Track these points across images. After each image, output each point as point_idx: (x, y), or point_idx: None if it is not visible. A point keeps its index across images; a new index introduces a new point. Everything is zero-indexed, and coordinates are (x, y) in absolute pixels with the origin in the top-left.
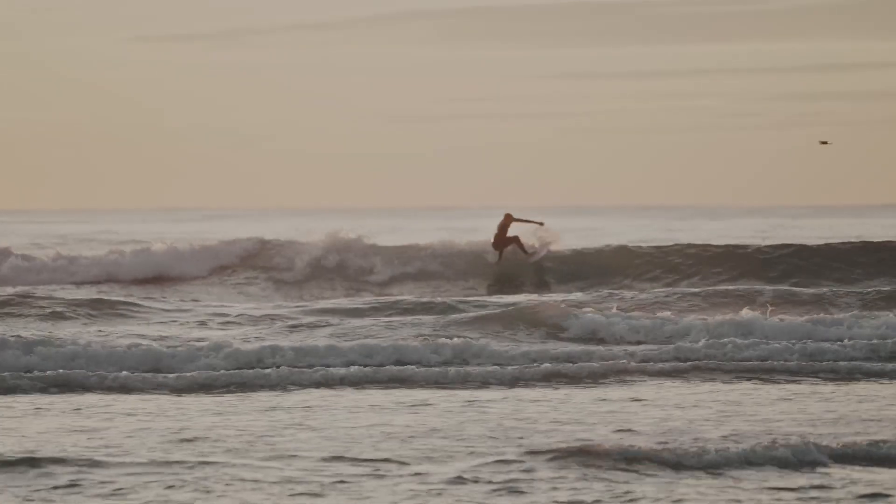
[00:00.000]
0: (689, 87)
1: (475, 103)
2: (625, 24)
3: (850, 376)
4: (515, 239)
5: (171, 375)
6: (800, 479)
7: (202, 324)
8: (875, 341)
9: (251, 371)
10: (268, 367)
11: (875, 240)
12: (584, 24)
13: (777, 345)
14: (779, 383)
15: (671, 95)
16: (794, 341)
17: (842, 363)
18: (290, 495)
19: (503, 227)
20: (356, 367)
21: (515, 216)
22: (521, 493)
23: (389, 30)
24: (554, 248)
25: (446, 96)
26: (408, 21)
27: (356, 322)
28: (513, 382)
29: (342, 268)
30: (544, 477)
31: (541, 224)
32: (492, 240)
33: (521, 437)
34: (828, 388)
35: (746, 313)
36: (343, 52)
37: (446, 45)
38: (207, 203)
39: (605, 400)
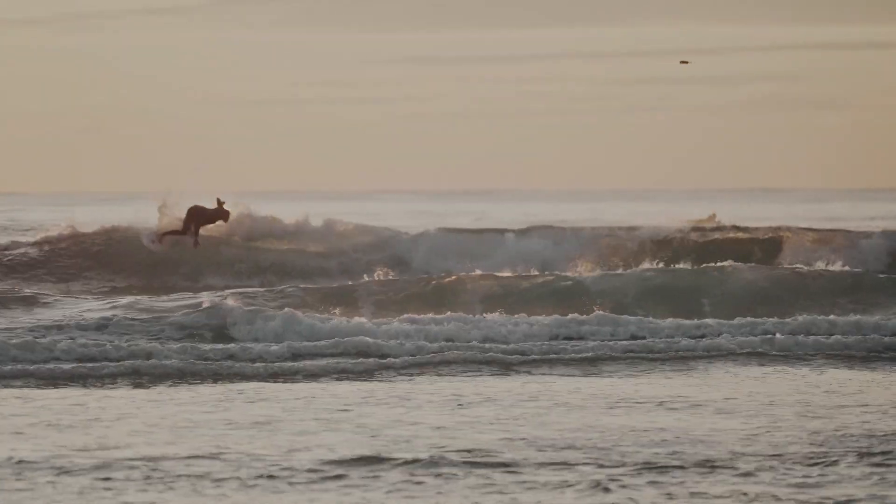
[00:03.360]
0: (540, 71)
1: (320, 87)
2: (474, 8)
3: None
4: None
5: None
6: None
7: None
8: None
9: None
10: None
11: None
12: (433, 7)
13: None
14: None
15: (518, 80)
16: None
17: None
18: None
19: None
20: None
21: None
22: None
23: (233, 14)
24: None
25: (289, 80)
26: (251, 5)
27: None
28: None
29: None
30: None
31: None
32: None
33: None
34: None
35: None
36: (185, 37)
37: (289, 29)
38: (52, 188)
39: None
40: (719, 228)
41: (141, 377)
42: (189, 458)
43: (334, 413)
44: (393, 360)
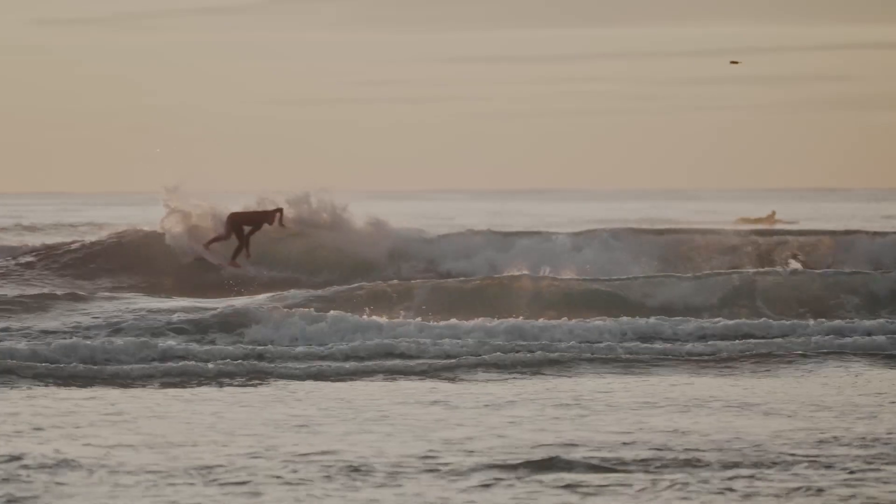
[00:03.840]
0: (586, 70)
1: (375, 87)
2: (527, 8)
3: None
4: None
5: None
6: None
7: None
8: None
9: None
10: None
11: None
12: (487, 7)
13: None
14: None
15: (568, 79)
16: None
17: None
18: None
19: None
20: None
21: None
22: None
23: (289, 13)
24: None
25: (347, 80)
26: (308, 4)
27: None
28: None
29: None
30: None
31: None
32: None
33: None
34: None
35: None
36: (243, 37)
37: (347, 29)
38: (108, 188)
39: None
40: (776, 231)
41: (179, 377)
42: (237, 457)
43: (372, 413)
44: (428, 361)
